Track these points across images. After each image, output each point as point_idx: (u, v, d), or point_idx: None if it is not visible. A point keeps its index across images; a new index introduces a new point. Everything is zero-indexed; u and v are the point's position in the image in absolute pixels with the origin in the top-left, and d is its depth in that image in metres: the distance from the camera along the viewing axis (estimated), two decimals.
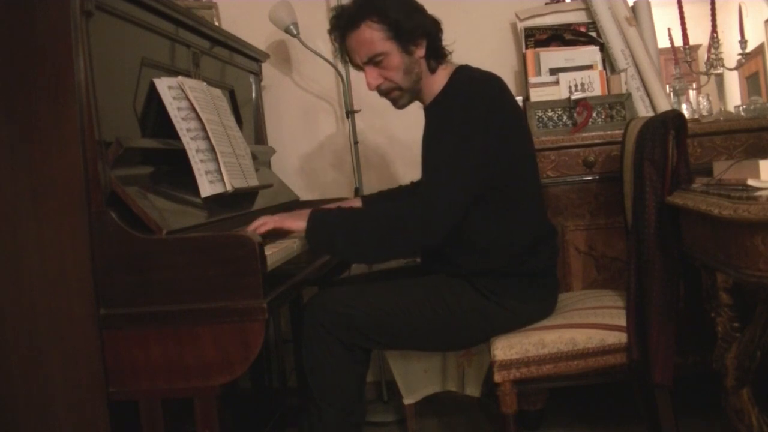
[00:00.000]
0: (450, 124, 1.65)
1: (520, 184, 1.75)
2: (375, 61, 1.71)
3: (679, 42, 2.51)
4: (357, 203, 2.12)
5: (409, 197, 1.77)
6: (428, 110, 1.81)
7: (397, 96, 1.77)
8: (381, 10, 1.67)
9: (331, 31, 1.76)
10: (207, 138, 1.74)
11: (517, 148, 1.74)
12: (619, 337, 1.69)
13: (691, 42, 2.50)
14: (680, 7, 2.46)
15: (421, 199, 1.61)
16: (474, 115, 1.63)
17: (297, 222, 1.69)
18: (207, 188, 1.68)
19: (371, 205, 2.09)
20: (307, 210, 1.72)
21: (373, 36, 1.68)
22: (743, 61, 2.51)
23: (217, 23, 2.53)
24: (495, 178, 1.67)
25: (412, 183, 2.17)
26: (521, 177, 1.75)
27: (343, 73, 2.65)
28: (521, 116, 1.80)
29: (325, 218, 1.68)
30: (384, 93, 1.77)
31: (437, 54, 1.75)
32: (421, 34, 1.70)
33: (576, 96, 2.36)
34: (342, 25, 1.72)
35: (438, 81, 1.77)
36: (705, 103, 2.45)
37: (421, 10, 1.74)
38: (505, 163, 1.68)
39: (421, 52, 1.72)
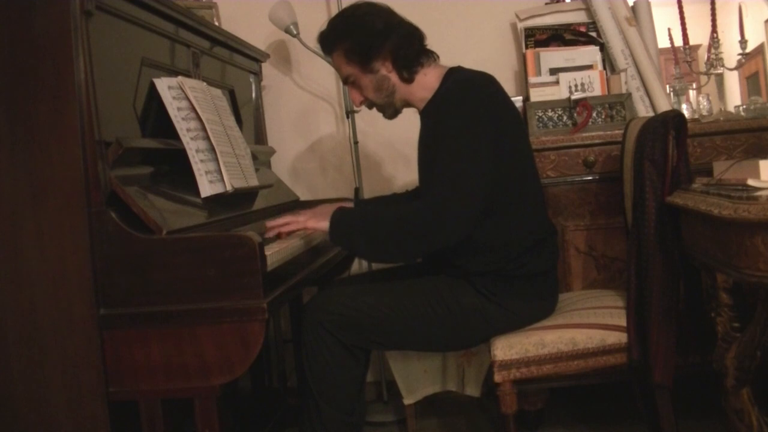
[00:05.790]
0: (450, 131, 1.65)
1: (520, 184, 1.75)
2: (349, 81, 1.82)
3: (679, 42, 2.51)
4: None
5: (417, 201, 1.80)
6: (423, 114, 1.82)
7: (379, 110, 1.86)
8: (337, 40, 1.77)
9: None
10: (207, 138, 1.74)
11: (516, 146, 1.74)
12: (619, 337, 1.69)
13: (691, 42, 2.50)
14: (680, 7, 2.46)
15: (431, 210, 1.59)
16: (472, 120, 1.63)
17: (320, 222, 1.70)
18: (207, 188, 1.67)
19: (387, 207, 2.08)
20: (329, 208, 1.74)
21: (339, 62, 1.80)
22: (743, 61, 2.51)
23: (217, 23, 2.53)
24: (497, 179, 1.67)
25: (407, 191, 2.18)
26: (521, 176, 1.75)
27: None
28: (517, 115, 1.80)
29: (346, 219, 1.69)
30: (369, 108, 1.87)
31: (408, 65, 1.76)
32: (379, 52, 1.74)
33: (576, 96, 2.36)
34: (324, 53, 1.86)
35: (427, 86, 1.78)
36: (705, 103, 2.45)
37: (385, 27, 1.74)
38: (506, 163, 1.68)
39: (386, 68, 1.76)
